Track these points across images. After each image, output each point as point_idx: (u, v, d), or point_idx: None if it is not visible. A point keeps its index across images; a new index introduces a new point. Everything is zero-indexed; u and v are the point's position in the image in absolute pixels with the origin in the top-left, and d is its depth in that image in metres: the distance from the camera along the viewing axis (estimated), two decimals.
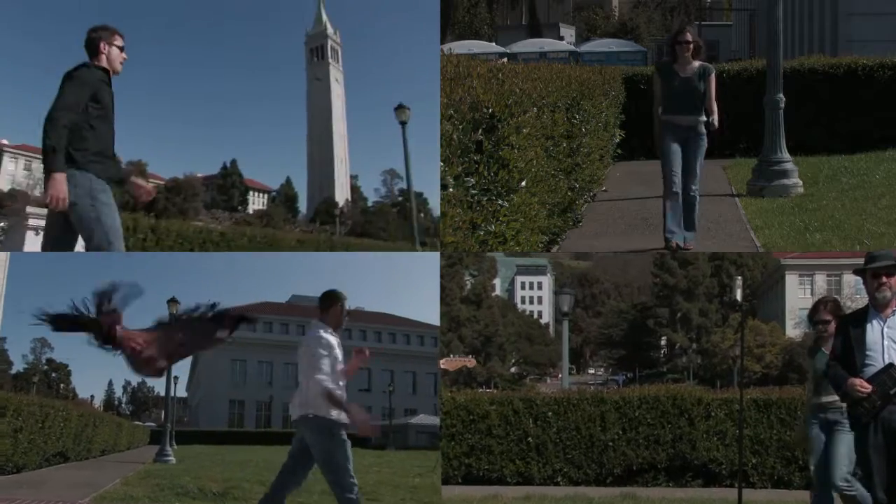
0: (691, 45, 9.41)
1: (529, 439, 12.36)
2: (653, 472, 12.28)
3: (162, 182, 76.08)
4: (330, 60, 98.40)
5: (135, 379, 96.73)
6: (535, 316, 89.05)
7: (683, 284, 66.51)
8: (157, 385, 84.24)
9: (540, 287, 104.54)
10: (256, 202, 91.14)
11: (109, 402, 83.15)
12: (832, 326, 6.34)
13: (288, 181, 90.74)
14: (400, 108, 20.96)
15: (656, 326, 68.83)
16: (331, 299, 5.83)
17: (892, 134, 17.60)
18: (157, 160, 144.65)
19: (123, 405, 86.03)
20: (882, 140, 17.48)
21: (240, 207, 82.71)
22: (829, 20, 26.70)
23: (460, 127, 5.96)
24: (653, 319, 68.78)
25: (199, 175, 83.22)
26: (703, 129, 9.43)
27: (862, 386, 5.51)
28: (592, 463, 12.32)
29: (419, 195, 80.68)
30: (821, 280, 52.91)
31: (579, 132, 11.46)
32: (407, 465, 18.14)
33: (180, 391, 53.18)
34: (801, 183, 13.71)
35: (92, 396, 78.56)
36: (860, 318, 5.74)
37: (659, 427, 12.30)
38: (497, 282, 79.99)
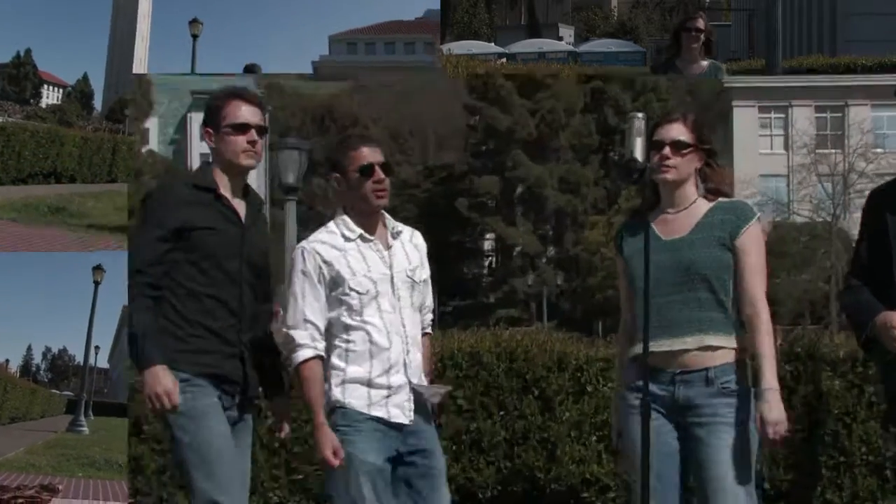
0: (702, 36, 6.99)
1: None
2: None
3: None
4: None
5: (55, 346, 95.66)
6: None
7: (529, 126, 33.69)
8: (78, 354, 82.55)
9: None
10: (51, 97, 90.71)
11: (27, 368, 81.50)
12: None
13: (85, 77, 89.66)
14: (194, 21, 22.19)
15: (473, 212, 34.88)
16: None
17: None
18: None
19: (42, 372, 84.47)
20: None
21: (32, 101, 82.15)
22: (829, 20, 26.69)
23: None
24: (467, 198, 34.68)
25: None
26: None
27: None
28: None
29: None
30: (802, 115, 28.15)
31: None
32: None
33: (102, 362, 52.20)
34: None
35: (7, 360, 77.16)
36: None
37: (480, 412, 5.73)
38: (153, 124, 39.49)
